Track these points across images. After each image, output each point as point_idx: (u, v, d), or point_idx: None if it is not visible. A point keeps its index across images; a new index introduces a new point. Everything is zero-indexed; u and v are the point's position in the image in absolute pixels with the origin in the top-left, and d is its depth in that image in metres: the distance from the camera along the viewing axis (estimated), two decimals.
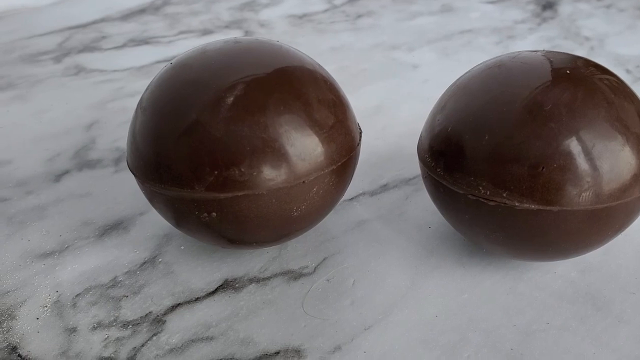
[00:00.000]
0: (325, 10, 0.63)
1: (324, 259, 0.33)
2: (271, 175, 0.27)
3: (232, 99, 0.27)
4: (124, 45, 0.57)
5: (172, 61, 0.30)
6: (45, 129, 0.45)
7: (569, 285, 0.30)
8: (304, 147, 0.27)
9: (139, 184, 0.30)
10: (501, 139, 0.26)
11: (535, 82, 0.27)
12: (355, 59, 0.54)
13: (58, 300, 0.31)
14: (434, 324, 0.29)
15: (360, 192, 0.38)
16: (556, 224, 0.26)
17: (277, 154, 0.27)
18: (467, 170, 0.27)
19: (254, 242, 0.30)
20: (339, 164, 0.29)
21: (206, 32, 0.58)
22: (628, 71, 0.50)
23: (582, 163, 0.25)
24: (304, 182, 0.27)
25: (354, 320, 0.29)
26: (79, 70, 0.53)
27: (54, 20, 0.63)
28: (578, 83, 0.26)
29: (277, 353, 0.28)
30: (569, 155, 0.25)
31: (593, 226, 0.26)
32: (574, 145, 0.25)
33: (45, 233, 0.35)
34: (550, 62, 0.28)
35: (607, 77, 0.28)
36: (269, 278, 0.32)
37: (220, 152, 0.26)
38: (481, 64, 0.30)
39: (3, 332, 0.29)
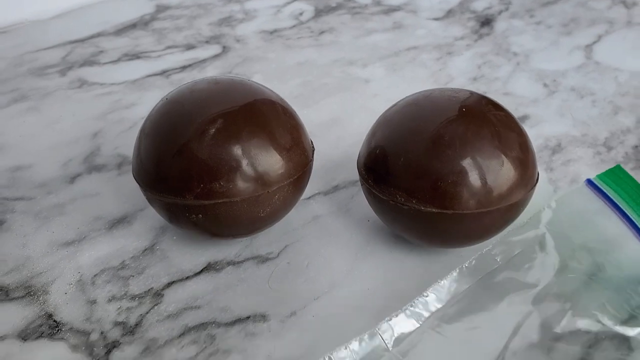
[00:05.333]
0: (293, 27, 0.63)
1: (285, 246, 0.37)
2: (243, 187, 0.31)
3: (213, 130, 0.31)
4: (118, 60, 0.58)
5: (167, 96, 0.34)
6: (58, 138, 0.47)
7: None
8: (269, 165, 0.32)
9: (141, 191, 0.33)
10: (412, 161, 0.31)
11: (439, 118, 0.32)
12: (317, 74, 0.56)
13: (80, 280, 0.34)
14: (367, 295, 0.33)
15: (317, 192, 0.41)
16: (452, 223, 0.32)
17: (248, 171, 0.31)
18: (389, 183, 0.32)
19: (230, 235, 0.35)
20: (296, 177, 0.33)
21: (189, 47, 0.59)
22: (545, 85, 0.53)
23: (470, 179, 0.31)
24: (268, 191, 0.32)
25: (306, 293, 0.33)
26: (82, 83, 0.55)
27: (56, 34, 0.63)
28: (471, 119, 0.32)
29: (248, 317, 0.32)
30: (460, 173, 0.31)
31: (480, 225, 0.32)
32: (464, 166, 0.31)
33: (66, 226, 0.38)
34: (455, 100, 0.33)
35: (498, 112, 0.33)
36: (242, 261, 0.35)
37: (205, 170, 0.31)
38: (403, 99, 0.35)
39: (40, 304, 0.33)
